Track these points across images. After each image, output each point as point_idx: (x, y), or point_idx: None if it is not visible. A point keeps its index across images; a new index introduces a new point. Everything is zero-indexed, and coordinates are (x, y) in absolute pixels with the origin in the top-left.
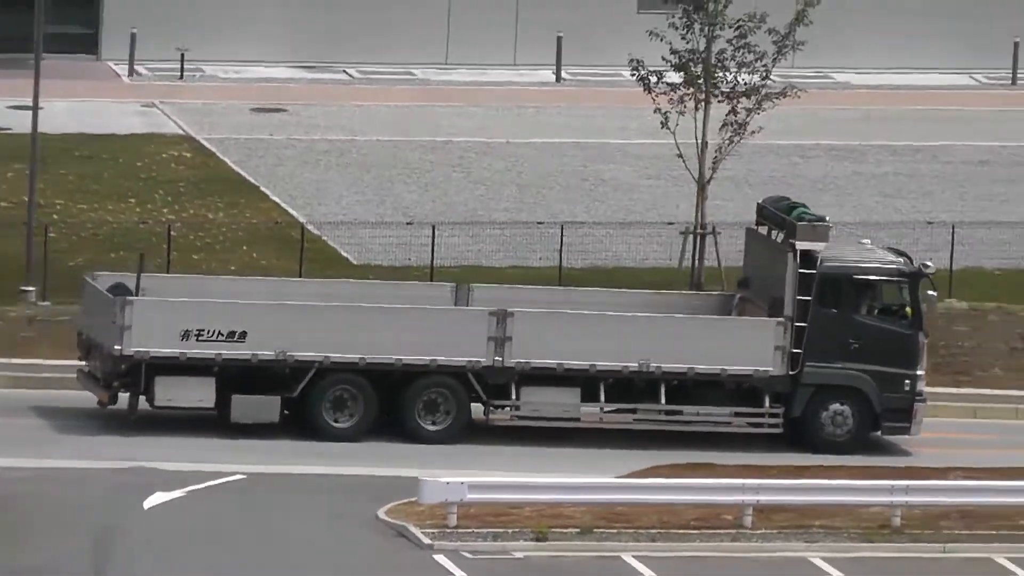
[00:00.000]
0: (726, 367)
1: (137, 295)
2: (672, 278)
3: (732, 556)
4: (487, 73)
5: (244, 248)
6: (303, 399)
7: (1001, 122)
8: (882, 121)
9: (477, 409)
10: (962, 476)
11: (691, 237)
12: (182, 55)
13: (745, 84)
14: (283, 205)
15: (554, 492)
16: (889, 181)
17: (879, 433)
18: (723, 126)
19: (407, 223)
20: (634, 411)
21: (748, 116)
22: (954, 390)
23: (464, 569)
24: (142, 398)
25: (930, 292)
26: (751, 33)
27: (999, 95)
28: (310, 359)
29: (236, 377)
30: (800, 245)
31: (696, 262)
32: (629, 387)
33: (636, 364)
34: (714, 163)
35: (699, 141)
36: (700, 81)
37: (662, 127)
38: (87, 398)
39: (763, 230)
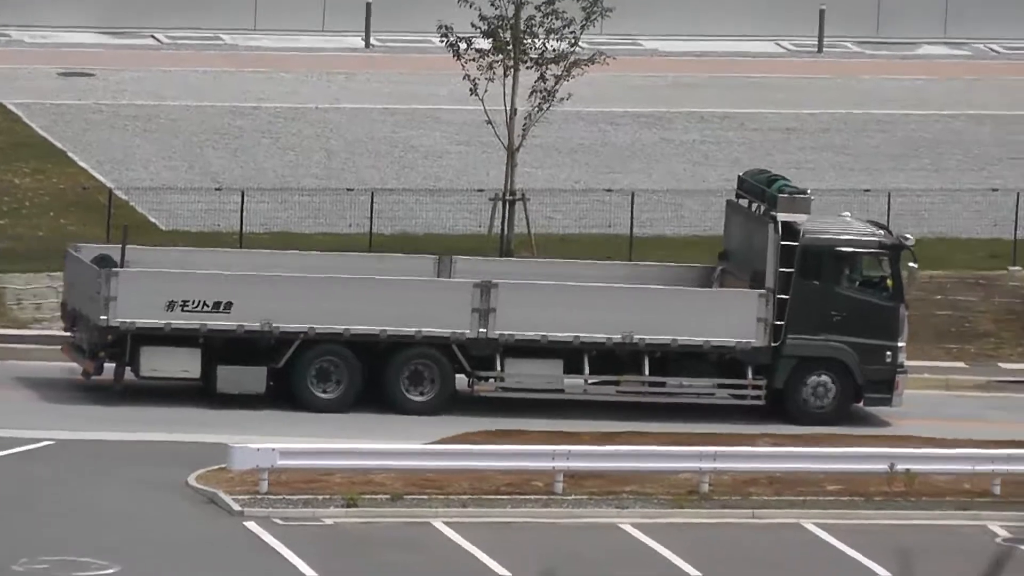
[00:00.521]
0: (709, 339)
1: (122, 266)
2: (482, 245)
3: (543, 522)
4: (296, 39)
5: (51, 214)
6: (288, 370)
7: (808, 90)
8: (690, 88)
9: (462, 381)
10: (770, 442)
11: (501, 204)
12: None
13: (554, 51)
14: (90, 170)
15: (365, 458)
16: (697, 148)
17: (861, 404)
18: (532, 93)
19: (216, 189)
20: (617, 383)
21: (557, 83)
22: None
23: (274, 536)
24: (127, 369)
25: (911, 264)
26: (559, 0)
27: (806, 63)
28: (295, 330)
29: (221, 348)
30: (781, 217)
31: (506, 229)
32: (613, 359)
33: (620, 336)
34: (523, 130)
35: (508, 108)
36: (509, 48)
37: (471, 94)
38: None
39: (743, 202)
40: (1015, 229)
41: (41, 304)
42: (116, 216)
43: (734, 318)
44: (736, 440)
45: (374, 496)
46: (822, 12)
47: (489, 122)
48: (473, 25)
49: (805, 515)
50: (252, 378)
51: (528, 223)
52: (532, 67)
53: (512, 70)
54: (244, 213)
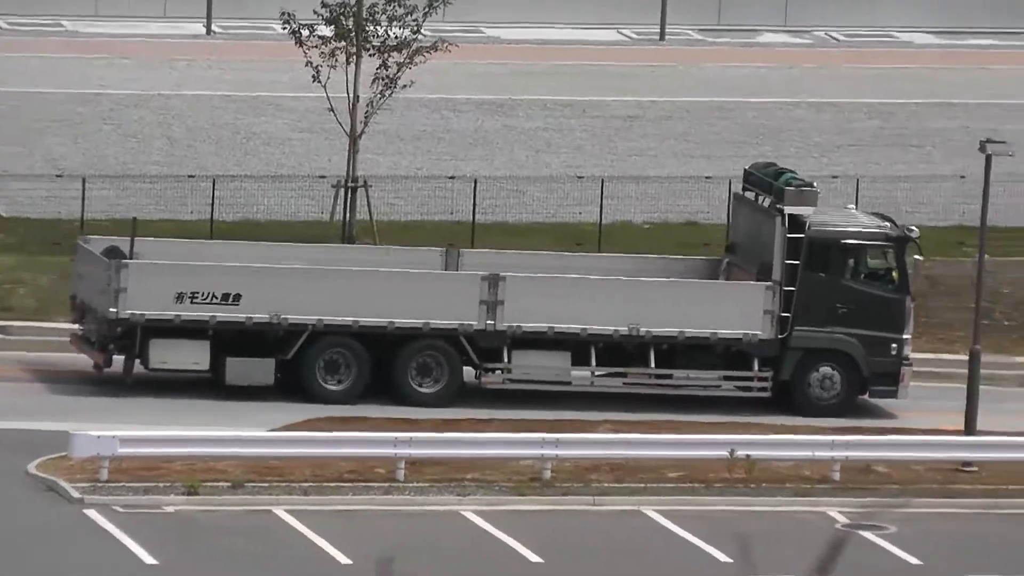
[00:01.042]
0: (715, 331)
1: (131, 258)
2: (324, 232)
3: (385, 510)
4: (137, 25)
5: None
6: (297, 362)
7: (649, 78)
8: (532, 76)
9: (470, 373)
10: (611, 429)
11: (343, 191)
12: None
13: (396, 38)
14: None
15: (206, 446)
16: (540, 136)
17: (867, 396)
18: (375, 80)
19: (57, 175)
20: (624, 375)
21: (399, 70)
22: None
23: (114, 523)
24: (137, 361)
25: (916, 256)
26: None
27: (647, 50)
28: (304, 322)
29: (230, 340)
30: (788, 210)
31: (348, 216)
32: (619, 351)
33: (626, 328)
34: (366, 117)
35: (351, 95)
36: (351, 35)
37: (314, 81)
38: None
39: (749, 195)
40: None
41: None
42: None
43: (741, 310)
44: (578, 427)
45: (215, 484)
46: (664, 0)
47: (331, 109)
48: (315, 12)
49: (646, 502)
50: (261, 370)
51: (370, 210)
52: (374, 54)
53: (355, 57)
54: (86, 200)
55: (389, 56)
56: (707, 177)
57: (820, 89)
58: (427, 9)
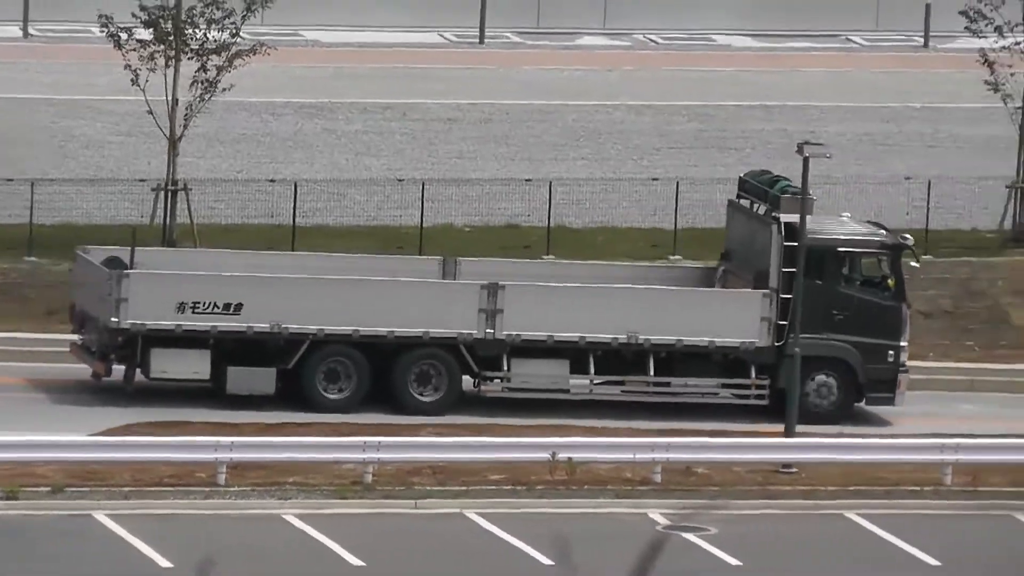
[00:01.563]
0: (713, 339)
1: (131, 268)
2: (144, 235)
3: (206, 514)
4: None
5: None
6: (297, 371)
7: (469, 80)
8: (352, 79)
9: (468, 382)
10: (433, 432)
11: (163, 194)
12: None
13: (215, 41)
14: None
15: (26, 450)
16: (360, 138)
17: (863, 403)
18: (194, 83)
19: None
20: (622, 383)
21: (219, 73)
22: None
23: None
24: (138, 370)
25: (913, 264)
26: None
27: (467, 53)
28: (305, 331)
29: (231, 349)
30: (785, 218)
31: (168, 219)
32: (618, 359)
33: (625, 336)
34: (185, 120)
35: (170, 98)
36: (170, 38)
37: (133, 84)
38: None
39: (744, 202)
40: (676, 218)
41: None
42: None
43: (738, 318)
44: (400, 430)
45: (35, 488)
46: (483, 3)
47: (151, 112)
48: (134, 15)
49: (468, 504)
50: (262, 379)
51: (190, 213)
52: (193, 58)
53: (174, 60)
54: None
55: (208, 59)
56: (527, 180)
57: (639, 92)
58: (246, 12)
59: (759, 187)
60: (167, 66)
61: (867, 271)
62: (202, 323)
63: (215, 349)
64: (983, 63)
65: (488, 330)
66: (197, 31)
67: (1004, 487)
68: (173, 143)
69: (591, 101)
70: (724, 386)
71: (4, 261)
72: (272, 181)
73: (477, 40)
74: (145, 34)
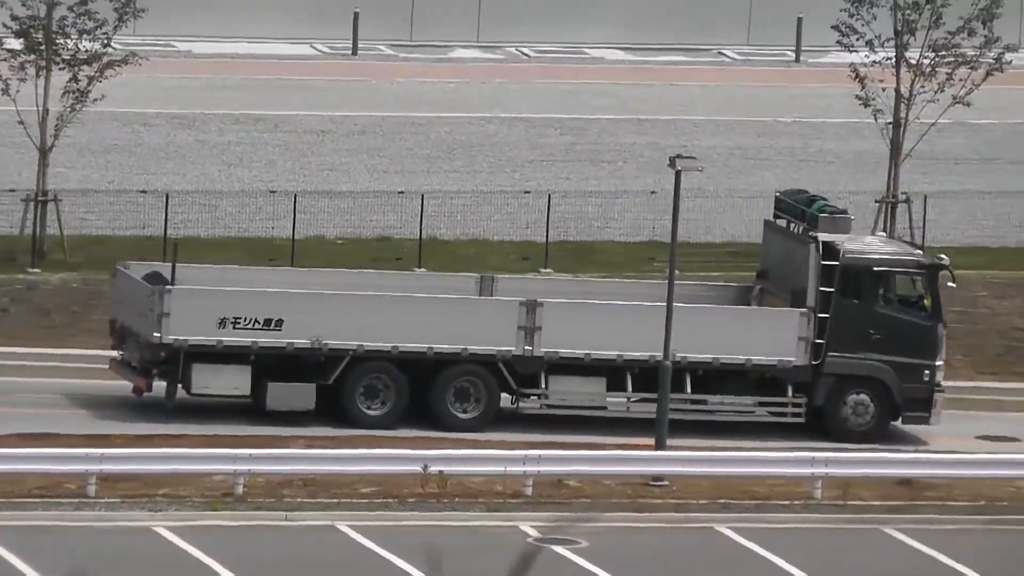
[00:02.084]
0: (750, 357)
1: (173, 283)
2: (14, 246)
3: (75, 525)
4: None
5: None
6: (337, 387)
7: (342, 92)
8: (225, 90)
9: (506, 398)
10: (304, 444)
11: (33, 204)
12: None
13: (87, 51)
14: None
15: None
16: (232, 150)
17: (899, 423)
18: (65, 93)
19: None
20: None
21: (90, 84)
22: None
23: None
24: (179, 386)
25: (950, 284)
26: (92, 0)
27: (340, 65)
28: (345, 347)
29: (272, 365)
30: (822, 237)
31: (38, 230)
32: (655, 377)
33: (662, 354)
34: (56, 130)
35: (41, 108)
36: (42, 48)
37: (3, 94)
38: None
39: (781, 222)
40: (547, 231)
41: None
42: None
43: (775, 337)
44: (271, 442)
45: None
46: (356, 15)
47: (21, 122)
48: (5, 25)
49: (339, 516)
50: (302, 395)
51: (60, 224)
52: (65, 68)
53: (45, 71)
54: None
55: (80, 69)
56: (400, 192)
57: (512, 104)
58: (118, 22)
59: (795, 206)
60: (38, 76)
61: (904, 290)
62: (243, 339)
63: (255, 365)
64: (854, 78)
65: (527, 347)
66: (69, 41)
67: (873, 501)
68: (44, 153)
69: (464, 114)
70: (760, 404)
71: None
72: (143, 192)
73: (350, 52)
74: (16, 44)
